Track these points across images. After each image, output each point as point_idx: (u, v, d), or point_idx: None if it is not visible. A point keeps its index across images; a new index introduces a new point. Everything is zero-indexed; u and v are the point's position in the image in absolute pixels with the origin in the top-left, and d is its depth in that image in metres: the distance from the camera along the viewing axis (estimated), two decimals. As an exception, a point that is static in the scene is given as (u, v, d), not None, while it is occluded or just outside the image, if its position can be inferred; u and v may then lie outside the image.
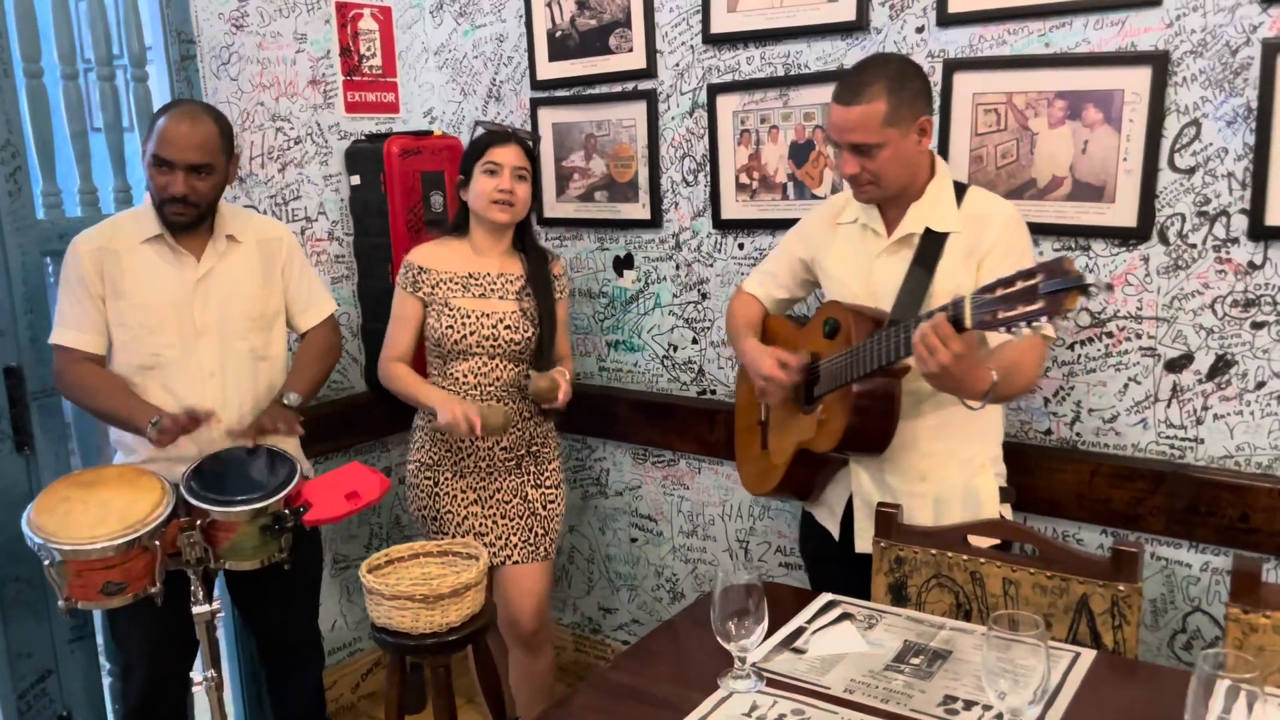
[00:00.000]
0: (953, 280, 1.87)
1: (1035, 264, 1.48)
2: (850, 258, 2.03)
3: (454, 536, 2.40)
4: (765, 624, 1.48)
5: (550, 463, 2.50)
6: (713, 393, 2.76)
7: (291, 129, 2.81)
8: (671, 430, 2.80)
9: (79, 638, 2.46)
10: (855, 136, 1.85)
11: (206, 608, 1.98)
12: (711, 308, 2.71)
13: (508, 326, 2.36)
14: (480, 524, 2.41)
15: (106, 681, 2.56)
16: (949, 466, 1.98)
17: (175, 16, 2.53)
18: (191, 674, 2.23)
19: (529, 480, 2.45)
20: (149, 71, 2.57)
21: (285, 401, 2.20)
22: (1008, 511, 2.02)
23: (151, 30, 2.55)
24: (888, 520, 1.91)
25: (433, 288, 2.39)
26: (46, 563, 1.87)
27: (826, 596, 1.80)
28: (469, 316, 2.35)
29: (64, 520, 1.88)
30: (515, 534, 2.43)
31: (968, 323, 1.57)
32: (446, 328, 2.35)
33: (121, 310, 2.12)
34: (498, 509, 2.42)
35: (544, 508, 2.46)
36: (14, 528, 2.21)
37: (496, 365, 2.37)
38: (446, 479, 2.42)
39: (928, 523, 1.94)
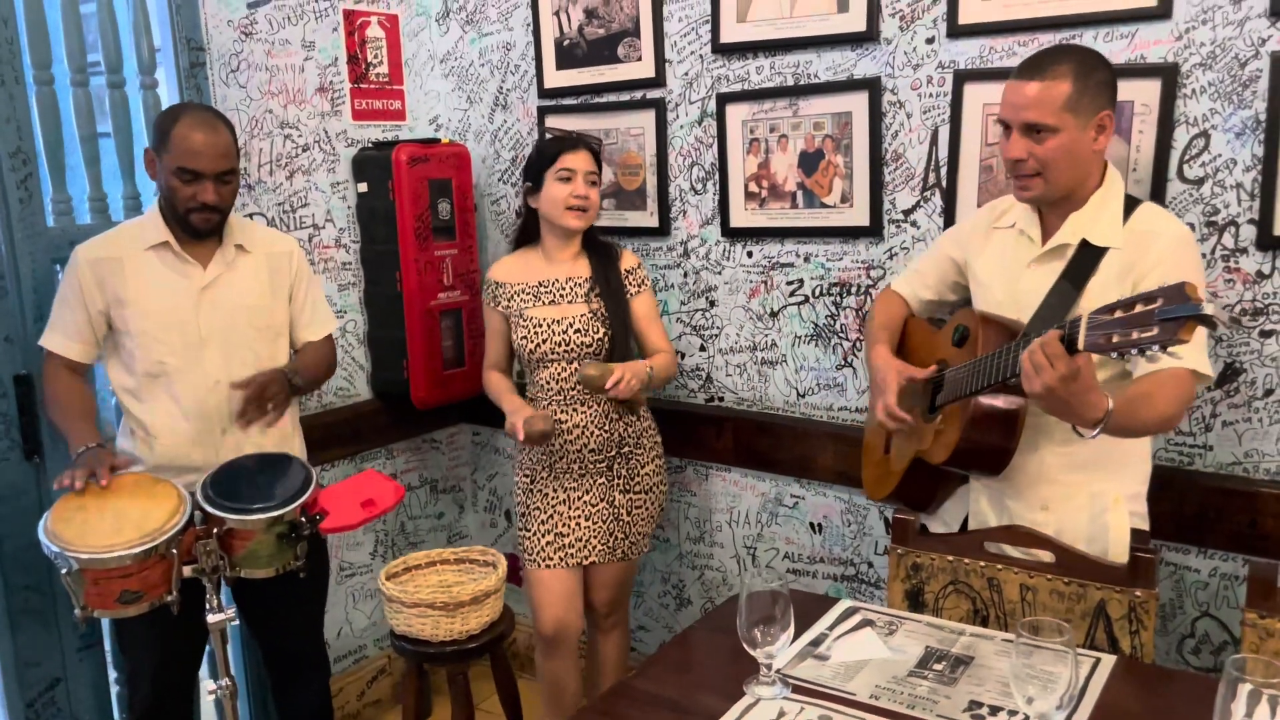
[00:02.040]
0: (1102, 299, 1.66)
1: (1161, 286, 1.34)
2: (1000, 264, 1.93)
3: (537, 533, 2.45)
4: (791, 630, 1.49)
5: (644, 465, 2.51)
6: (720, 400, 2.77)
7: (299, 136, 2.81)
8: (678, 437, 2.81)
9: (87, 646, 2.45)
10: (1030, 114, 1.73)
11: (222, 615, 1.98)
12: (719, 315, 2.72)
13: (577, 330, 2.40)
14: (563, 524, 2.45)
15: (114, 690, 2.54)
16: (1076, 499, 1.84)
17: (185, 24, 2.53)
18: (202, 682, 2.22)
19: (618, 485, 2.48)
20: (158, 79, 2.57)
21: (289, 375, 2.22)
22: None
23: (161, 37, 2.54)
24: (904, 527, 1.93)
25: (509, 301, 2.47)
26: (63, 571, 1.86)
27: (846, 603, 1.81)
28: (541, 325, 2.41)
29: (81, 529, 1.87)
30: (596, 537, 2.46)
31: (1080, 343, 1.46)
32: (522, 338, 2.43)
33: (126, 318, 2.12)
34: (582, 510, 2.46)
35: (629, 513, 2.49)
36: (23, 537, 2.20)
37: (576, 369, 2.41)
38: (542, 477, 2.49)
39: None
